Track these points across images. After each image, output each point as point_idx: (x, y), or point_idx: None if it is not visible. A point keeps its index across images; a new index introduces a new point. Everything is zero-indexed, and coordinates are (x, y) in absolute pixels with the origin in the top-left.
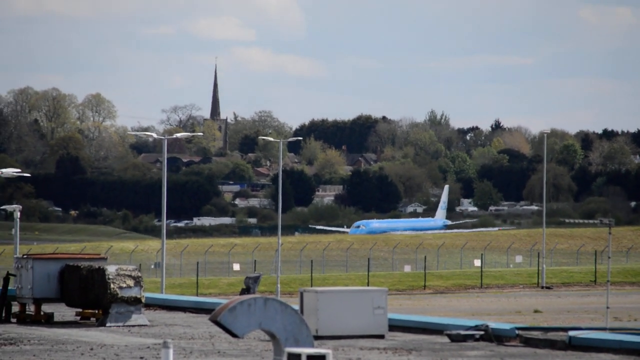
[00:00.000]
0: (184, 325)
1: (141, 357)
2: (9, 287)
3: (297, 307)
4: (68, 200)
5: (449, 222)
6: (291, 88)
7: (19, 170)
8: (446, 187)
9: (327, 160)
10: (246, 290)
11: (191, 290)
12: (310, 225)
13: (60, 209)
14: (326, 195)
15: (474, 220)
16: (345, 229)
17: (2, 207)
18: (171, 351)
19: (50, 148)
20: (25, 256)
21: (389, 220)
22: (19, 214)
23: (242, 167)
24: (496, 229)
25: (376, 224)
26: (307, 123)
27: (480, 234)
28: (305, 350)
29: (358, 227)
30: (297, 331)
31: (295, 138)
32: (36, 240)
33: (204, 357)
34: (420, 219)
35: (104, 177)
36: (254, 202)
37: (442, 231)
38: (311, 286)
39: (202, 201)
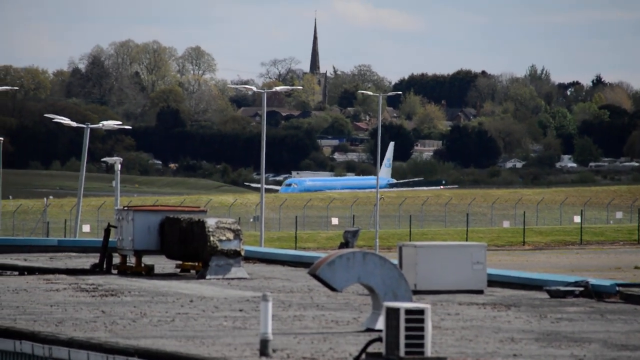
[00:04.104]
0: (282, 279)
1: (240, 310)
2: (110, 239)
3: (395, 261)
4: (168, 153)
5: (393, 181)
6: (391, 42)
7: (120, 122)
8: (391, 144)
9: (426, 115)
10: (345, 244)
11: (290, 243)
12: (245, 183)
13: (160, 161)
14: (425, 150)
15: (573, 176)
16: (277, 187)
17: (103, 159)
18: (270, 304)
19: (151, 101)
20: (126, 208)
21: (325, 178)
22: (119, 166)
23: (341, 122)
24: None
25: (310, 182)
26: (406, 77)
27: (580, 189)
28: (404, 305)
29: (290, 185)
30: (396, 285)
31: (394, 92)
32: (136, 193)
33: (302, 310)
34: (361, 177)
35: (204, 130)
36: (352, 156)
37: (384, 190)
38: (410, 241)
39: (301, 155)
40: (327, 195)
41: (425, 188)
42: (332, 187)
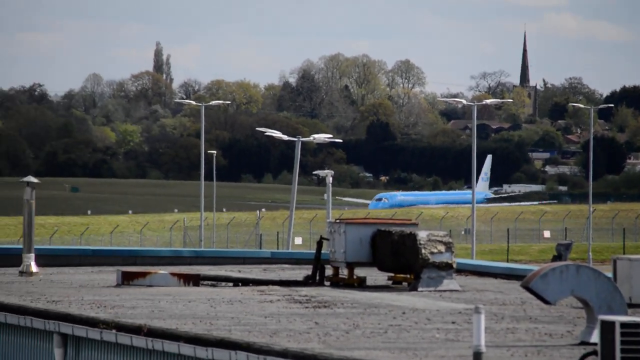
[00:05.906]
0: (495, 291)
1: (453, 322)
2: (322, 251)
3: (610, 274)
4: (378, 165)
5: (491, 195)
6: (602, 54)
7: (331, 135)
8: (489, 156)
9: (639, 128)
10: (558, 257)
11: (501, 256)
12: (337, 197)
13: (370, 174)
14: (638, 163)
15: None
16: (366, 201)
17: (314, 172)
18: (483, 316)
19: (361, 114)
20: (338, 221)
21: (418, 192)
22: (331, 179)
23: (552, 134)
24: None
25: (401, 196)
26: (618, 90)
27: None
28: (619, 318)
29: (380, 199)
30: (611, 299)
31: (606, 105)
32: (347, 206)
33: (515, 323)
34: (456, 191)
35: (414, 143)
36: (564, 169)
37: (481, 205)
38: (624, 254)
39: (512, 168)
40: (539, 208)
41: (523, 203)
42: (425, 202)
